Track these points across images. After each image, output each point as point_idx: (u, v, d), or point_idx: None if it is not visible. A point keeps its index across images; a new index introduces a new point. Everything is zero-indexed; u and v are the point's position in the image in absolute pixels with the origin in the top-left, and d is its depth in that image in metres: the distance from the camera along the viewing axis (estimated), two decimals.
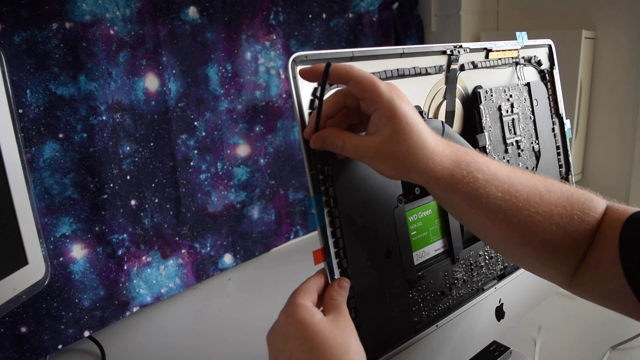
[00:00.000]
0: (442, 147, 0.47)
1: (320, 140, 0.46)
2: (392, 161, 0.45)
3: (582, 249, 0.49)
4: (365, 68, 0.52)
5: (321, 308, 0.46)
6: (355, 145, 0.45)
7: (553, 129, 0.75)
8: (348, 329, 0.43)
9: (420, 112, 0.58)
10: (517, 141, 0.69)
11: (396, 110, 0.44)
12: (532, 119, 0.71)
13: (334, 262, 0.48)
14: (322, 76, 0.44)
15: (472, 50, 0.63)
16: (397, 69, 0.55)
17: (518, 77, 0.71)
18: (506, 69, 0.69)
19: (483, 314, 0.63)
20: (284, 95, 1.09)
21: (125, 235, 0.87)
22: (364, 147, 0.45)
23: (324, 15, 1.14)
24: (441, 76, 0.61)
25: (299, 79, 0.47)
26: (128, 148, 0.87)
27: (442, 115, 0.61)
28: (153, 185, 0.91)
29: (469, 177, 0.47)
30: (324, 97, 0.45)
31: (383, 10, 1.27)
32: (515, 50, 0.70)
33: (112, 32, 0.81)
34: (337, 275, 0.48)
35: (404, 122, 0.44)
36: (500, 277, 0.66)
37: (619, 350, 0.76)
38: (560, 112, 0.76)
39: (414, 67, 0.57)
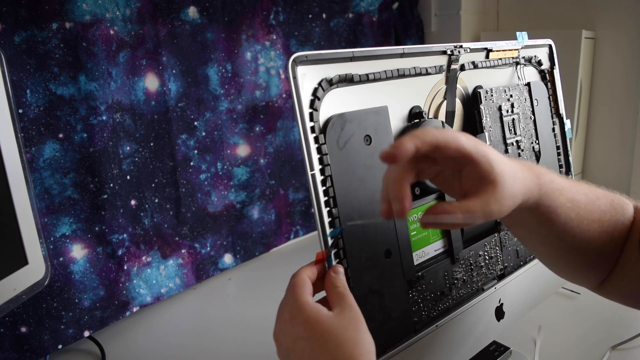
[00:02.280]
0: (521, 173, 0.45)
1: (432, 218, 0.42)
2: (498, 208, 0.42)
3: (619, 252, 0.49)
4: (366, 68, 0.52)
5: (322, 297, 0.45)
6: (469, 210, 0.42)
7: (553, 129, 0.75)
8: (355, 320, 0.42)
9: (421, 112, 0.58)
10: (517, 141, 0.69)
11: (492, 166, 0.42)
12: (533, 119, 0.71)
13: (334, 262, 0.48)
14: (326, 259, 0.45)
15: (473, 50, 0.63)
16: (397, 69, 0.55)
17: (518, 77, 0.71)
18: (506, 69, 0.69)
19: (483, 314, 0.63)
20: (284, 95, 1.09)
21: (125, 235, 0.87)
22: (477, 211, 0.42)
23: (324, 15, 1.14)
24: (441, 76, 0.61)
25: (299, 79, 0.46)
26: (128, 148, 0.87)
27: (442, 115, 0.61)
28: (153, 185, 0.91)
29: (551, 195, 0.47)
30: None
31: (383, 10, 1.27)
32: (515, 50, 0.70)
33: (112, 32, 0.81)
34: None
35: (499, 181, 0.42)
36: (500, 277, 0.66)
37: (619, 350, 0.76)
38: (561, 112, 0.76)
39: (414, 67, 0.57)
